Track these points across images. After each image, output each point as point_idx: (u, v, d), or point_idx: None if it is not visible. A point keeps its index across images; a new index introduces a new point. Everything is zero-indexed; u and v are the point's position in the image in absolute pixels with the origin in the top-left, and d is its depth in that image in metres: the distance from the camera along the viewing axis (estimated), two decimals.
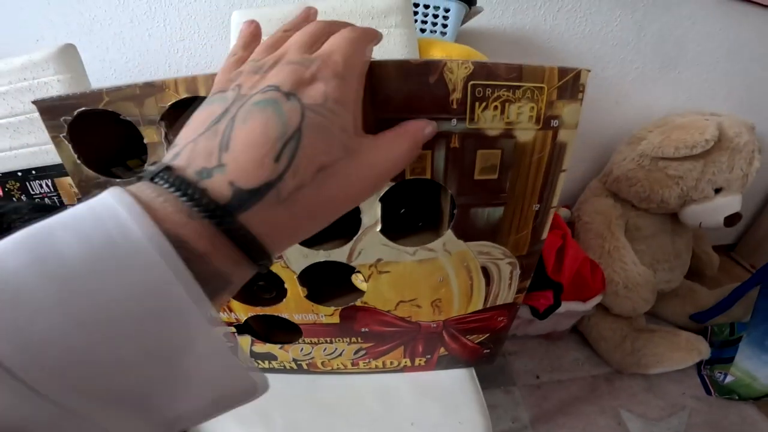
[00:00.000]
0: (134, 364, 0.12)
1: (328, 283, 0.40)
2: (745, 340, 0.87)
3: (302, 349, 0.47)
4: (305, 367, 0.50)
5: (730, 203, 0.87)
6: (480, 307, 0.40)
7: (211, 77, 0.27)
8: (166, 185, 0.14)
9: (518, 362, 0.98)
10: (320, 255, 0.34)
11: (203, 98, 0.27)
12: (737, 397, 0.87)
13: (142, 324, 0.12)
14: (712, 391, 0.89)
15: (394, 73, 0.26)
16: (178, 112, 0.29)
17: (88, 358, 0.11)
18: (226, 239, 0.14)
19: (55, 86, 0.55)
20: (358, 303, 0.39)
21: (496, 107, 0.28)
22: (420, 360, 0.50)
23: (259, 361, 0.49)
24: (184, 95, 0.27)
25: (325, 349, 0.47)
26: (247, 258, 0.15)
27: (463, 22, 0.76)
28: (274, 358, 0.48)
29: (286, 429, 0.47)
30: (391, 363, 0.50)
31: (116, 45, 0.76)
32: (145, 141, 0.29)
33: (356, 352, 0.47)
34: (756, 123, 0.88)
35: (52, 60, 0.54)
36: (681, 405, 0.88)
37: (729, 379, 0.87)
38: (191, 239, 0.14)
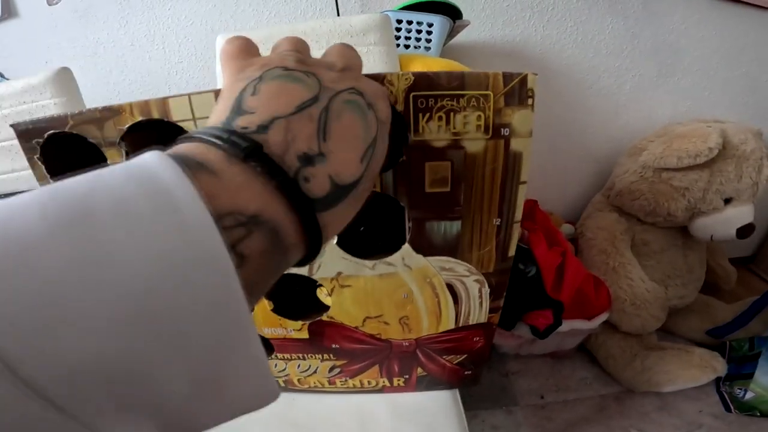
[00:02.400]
0: (175, 374, 0.10)
1: (295, 297, 0.40)
2: (765, 355, 0.82)
3: (276, 365, 0.46)
4: (282, 384, 0.49)
5: (742, 214, 0.82)
6: (452, 326, 0.39)
7: (161, 102, 0.27)
8: (261, 172, 0.13)
9: (521, 382, 0.93)
10: None
11: (157, 121, 0.28)
12: (758, 414, 0.81)
13: (191, 323, 0.10)
14: (732, 408, 0.83)
15: None
16: (136, 135, 0.29)
17: (121, 366, 0.09)
18: (302, 231, 0.14)
19: (52, 109, 0.58)
20: (325, 318, 0.38)
21: (440, 117, 0.27)
22: (398, 380, 0.48)
23: None
24: (138, 118, 0.27)
25: (299, 366, 0.46)
26: (309, 251, 0.15)
27: (451, 36, 0.76)
28: None
29: None
30: (369, 383, 0.48)
31: (119, 67, 0.80)
32: (109, 162, 0.29)
33: (331, 370, 0.46)
34: (763, 129, 0.83)
35: (48, 84, 0.56)
36: (698, 423, 0.82)
37: (749, 395, 0.81)
38: (274, 218, 0.13)
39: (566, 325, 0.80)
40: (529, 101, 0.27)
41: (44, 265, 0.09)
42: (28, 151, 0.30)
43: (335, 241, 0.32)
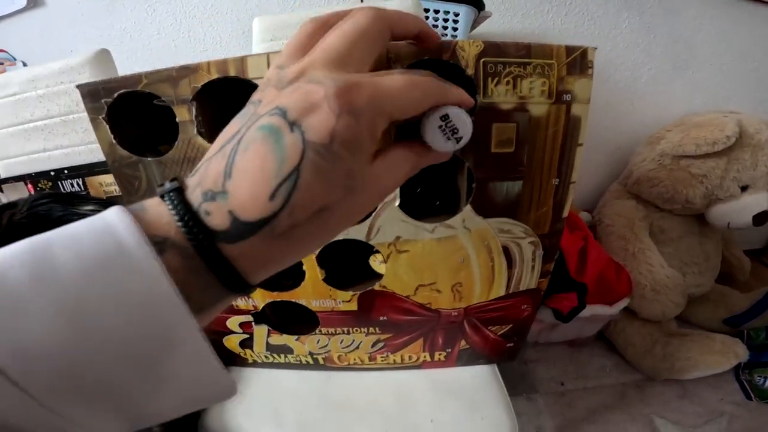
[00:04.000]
0: (121, 368, 0.13)
1: (347, 267, 0.41)
2: None
3: (319, 341, 0.47)
4: (321, 361, 0.50)
5: (758, 201, 0.85)
6: (502, 292, 0.40)
7: (239, 60, 0.29)
8: (170, 207, 0.15)
9: (541, 369, 0.95)
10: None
11: (233, 78, 0.29)
12: None
13: (132, 332, 0.13)
14: (753, 395, 0.85)
15: (408, 53, 0.28)
16: (208, 95, 0.31)
17: (79, 365, 0.13)
18: (209, 273, 0.15)
19: None
20: (377, 287, 0.39)
21: (508, 82, 0.29)
22: (440, 354, 0.49)
23: (275, 355, 0.50)
24: (215, 75, 0.29)
25: (342, 341, 0.47)
26: (226, 289, 0.16)
27: (473, 27, 0.78)
28: (290, 351, 0.48)
29: (298, 427, 0.46)
30: (410, 358, 0.49)
31: (145, 56, 0.82)
32: (177, 119, 0.31)
33: (374, 345, 0.47)
34: None
35: (88, 64, 0.58)
36: (719, 411, 0.83)
37: None
38: (181, 242, 0.14)
39: (587, 311, 0.82)
40: (589, 71, 0.29)
41: (8, 283, 0.12)
42: (92, 112, 0.31)
43: (396, 203, 0.34)
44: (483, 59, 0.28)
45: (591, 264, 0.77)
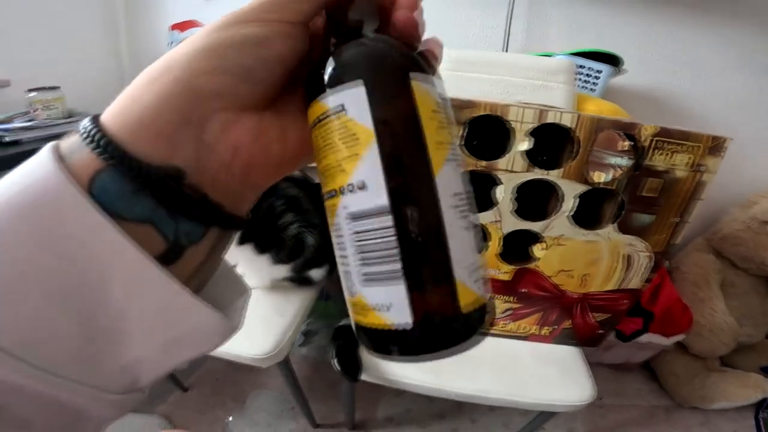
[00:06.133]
0: (61, 313, 0.12)
1: (520, 249, 0.62)
2: None
3: None
4: None
5: None
6: (613, 287, 0.60)
7: (505, 106, 0.52)
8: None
9: None
10: (526, 224, 0.56)
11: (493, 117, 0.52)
12: None
13: (58, 270, 0.12)
14: (763, 430, 1.01)
15: (611, 127, 0.49)
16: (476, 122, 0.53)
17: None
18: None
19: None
20: (532, 266, 0.61)
21: (666, 154, 0.49)
22: (546, 330, 0.70)
23: None
24: (487, 112, 0.52)
25: None
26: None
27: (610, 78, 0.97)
28: None
29: (434, 369, 0.67)
30: (523, 328, 0.70)
31: None
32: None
33: (504, 311, 0.69)
34: None
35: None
36: None
37: None
38: None
39: (646, 337, 0.99)
40: (722, 154, 0.49)
41: None
42: None
43: (567, 214, 0.55)
44: (656, 138, 0.49)
45: (662, 298, 0.95)
